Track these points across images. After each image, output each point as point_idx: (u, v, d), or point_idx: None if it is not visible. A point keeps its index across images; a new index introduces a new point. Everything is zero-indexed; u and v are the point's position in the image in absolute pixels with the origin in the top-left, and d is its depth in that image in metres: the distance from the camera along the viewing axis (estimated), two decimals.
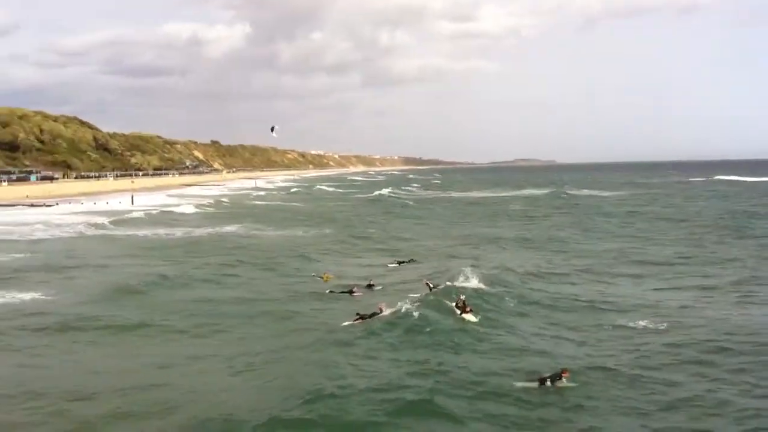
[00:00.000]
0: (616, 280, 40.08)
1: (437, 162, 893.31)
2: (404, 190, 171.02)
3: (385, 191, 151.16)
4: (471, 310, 27.61)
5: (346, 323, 28.30)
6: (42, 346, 26.00)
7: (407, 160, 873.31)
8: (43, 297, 34.07)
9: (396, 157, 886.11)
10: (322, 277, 38.94)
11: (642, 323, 28.97)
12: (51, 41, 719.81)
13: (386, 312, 28.29)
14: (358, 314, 28.57)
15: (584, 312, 31.79)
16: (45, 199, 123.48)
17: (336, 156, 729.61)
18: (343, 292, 35.04)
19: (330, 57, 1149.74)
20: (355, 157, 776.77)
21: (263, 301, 34.06)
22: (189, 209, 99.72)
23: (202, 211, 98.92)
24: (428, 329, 26.15)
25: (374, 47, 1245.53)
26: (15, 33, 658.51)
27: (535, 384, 20.70)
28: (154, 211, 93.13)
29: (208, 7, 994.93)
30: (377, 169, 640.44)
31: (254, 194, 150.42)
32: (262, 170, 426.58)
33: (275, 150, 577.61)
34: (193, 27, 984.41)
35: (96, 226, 73.05)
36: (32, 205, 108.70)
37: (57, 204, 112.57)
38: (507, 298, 33.40)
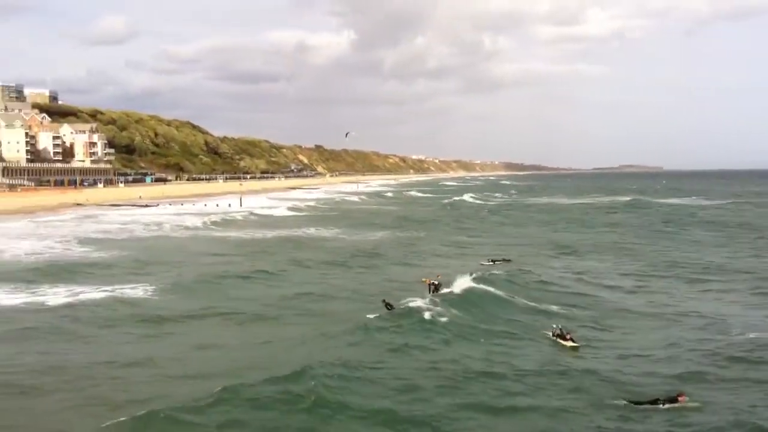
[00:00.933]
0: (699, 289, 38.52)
1: (539, 168, 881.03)
2: (486, 195, 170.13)
3: (466, 197, 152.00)
4: (571, 338, 26.72)
5: (371, 316, 29.50)
6: (174, 334, 28.40)
7: (508, 166, 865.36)
8: (152, 290, 36.25)
9: (497, 163, 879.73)
10: (424, 281, 39.56)
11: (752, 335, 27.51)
12: (165, 49, 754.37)
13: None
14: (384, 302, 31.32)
15: (687, 326, 30.23)
16: (158, 200, 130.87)
17: (436, 161, 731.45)
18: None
19: (431, 62, 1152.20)
20: (455, 162, 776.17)
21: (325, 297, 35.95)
22: (286, 212, 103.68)
23: (299, 214, 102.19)
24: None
25: (476, 52, 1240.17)
26: (132, 41, 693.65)
27: (648, 405, 20.03)
28: (256, 213, 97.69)
29: (314, 15, 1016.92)
30: (476, 174, 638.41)
31: (348, 198, 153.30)
32: (364, 174, 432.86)
33: (377, 155, 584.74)
34: (299, 34, 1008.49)
35: (202, 226, 77.71)
36: (146, 206, 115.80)
37: (170, 204, 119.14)
38: (593, 311, 33.07)
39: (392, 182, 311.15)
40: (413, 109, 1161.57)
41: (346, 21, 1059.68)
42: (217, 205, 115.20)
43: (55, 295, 34.60)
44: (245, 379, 20.89)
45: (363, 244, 60.17)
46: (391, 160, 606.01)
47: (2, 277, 39.92)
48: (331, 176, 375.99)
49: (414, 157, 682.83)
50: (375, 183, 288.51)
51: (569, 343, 26.62)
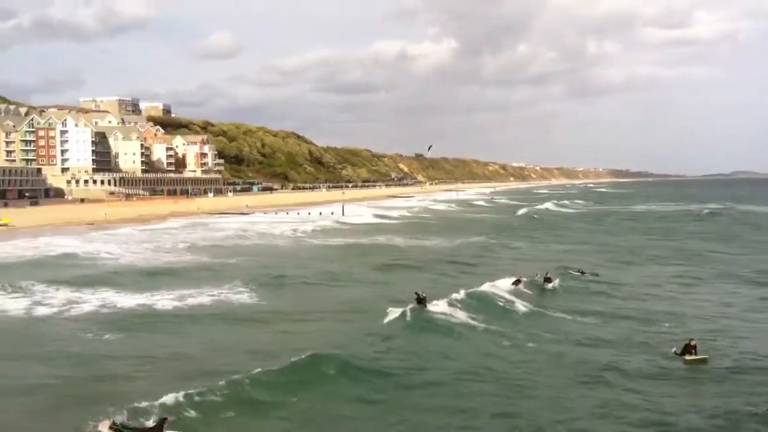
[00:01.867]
0: None
1: (646, 174, 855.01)
2: (572, 203, 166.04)
3: (548, 205, 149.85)
4: (695, 347, 25.00)
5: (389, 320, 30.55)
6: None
7: (613, 173, 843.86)
8: (255, 296, 37.49)
9: (601, 170, 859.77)
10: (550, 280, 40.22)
11: None
12: (271, 62, 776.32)
13: None
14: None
15: None
16: (264, 209, 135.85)
17: (537, 168, 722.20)
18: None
19: (534, 68, 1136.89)
20: (557, 169, 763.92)
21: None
22: (383, 220, 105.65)
23: (393, 222, 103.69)
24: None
25: (580, 57, 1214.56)
26: (240, 55, 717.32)
27: None
28: (355, 221, 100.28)
29: (416, 25, 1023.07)
30: (578, 182, 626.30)
31: (439, 208, 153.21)
32: (463, 182, 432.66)
33: (477, 162, 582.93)
34: (400, 44, 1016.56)
35: (305, 234, 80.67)
36: (253, 214, 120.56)
37: (275, 213, 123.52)
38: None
39: (488, 190, 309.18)
40: (515, 115, 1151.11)
41: (447, 30, 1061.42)
42: (320, 214, 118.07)
43: (165, 298, 37.25)
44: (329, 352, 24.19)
45: (440, 251, 61.98)
46: (491, 168, 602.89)
47: (118, 280, 42.82)
48: (431, 185, 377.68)
49: (515, 164, 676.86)
50: (472, 191, 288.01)
51: (693, 357, 25.03)
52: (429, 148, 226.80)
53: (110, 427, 17.44)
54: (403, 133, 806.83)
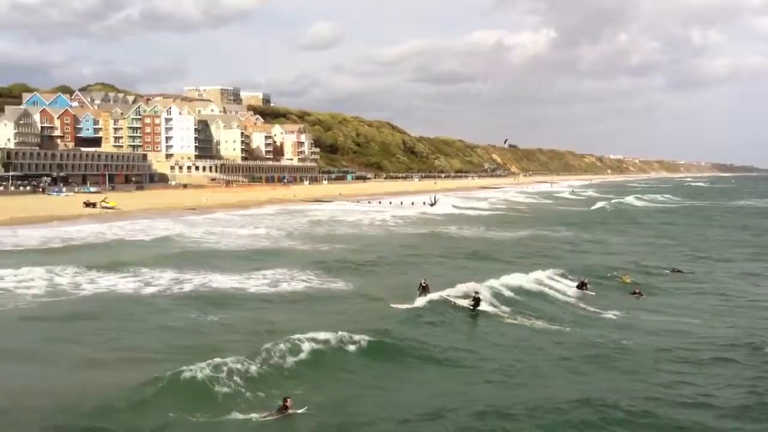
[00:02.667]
0: None
1: (751, 169, 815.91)
2: (656, 198, 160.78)
3: (630, 198, 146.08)
4: None
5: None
6: None
7: (716, 167, 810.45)
8: (350, 284, 38.51)
9: (703, 163, 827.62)
10: (622, 278, 40.19)
11: None
12: (368, 52, 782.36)
13: None
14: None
15: None
16: (357, 197, 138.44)
17: (636, 161, 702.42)
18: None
19: (634, 58, 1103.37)
20: (657, 162, 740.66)
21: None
22: (473, 211, 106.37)
23: (482, 213, 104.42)
24: None
25: (683, 47, 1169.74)
26: (338, 46, 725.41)
27: None
28: (445, 212, 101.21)
29: (515, 14, 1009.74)
30: (679, 175, 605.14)
31: (520, 199, 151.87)
32: (558, 174, 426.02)
33: (572, 154, 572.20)
34: (498, 34, 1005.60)
35: (396, 222, 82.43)
36: (345, 202, 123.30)
37: (368, 202, 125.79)
38: None
39: (581, 183, 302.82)
40: (613, 107, 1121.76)
41: (545, 19, 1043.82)
42: (413, 203, 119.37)
43: (258, 278, 39.34)
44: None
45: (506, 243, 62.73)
46: (587, 160, 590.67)
47: (216, 263, 45.21)
48: (525, 176, 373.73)
49: (612, 156, 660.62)
50: (564, 183, 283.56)
51: None
52: (505, 141, 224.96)
53: (241, 413, 18.55)
54: (498, 123, 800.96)
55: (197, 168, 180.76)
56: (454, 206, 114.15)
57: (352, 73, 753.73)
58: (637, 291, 37.54)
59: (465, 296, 32.53)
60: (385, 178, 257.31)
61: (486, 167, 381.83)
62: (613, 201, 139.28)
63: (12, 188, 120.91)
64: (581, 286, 37.48)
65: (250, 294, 35.74)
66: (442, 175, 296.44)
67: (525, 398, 20.15)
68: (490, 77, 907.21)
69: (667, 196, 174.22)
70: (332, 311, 31.03)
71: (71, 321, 29.02)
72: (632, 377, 22.75)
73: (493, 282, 35.82)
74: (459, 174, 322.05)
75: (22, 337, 26.56)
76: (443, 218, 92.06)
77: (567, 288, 37.88)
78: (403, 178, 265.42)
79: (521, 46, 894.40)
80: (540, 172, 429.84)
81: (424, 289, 32.75)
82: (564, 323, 30.20)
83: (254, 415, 18.36)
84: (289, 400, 18.56)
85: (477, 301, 31.33)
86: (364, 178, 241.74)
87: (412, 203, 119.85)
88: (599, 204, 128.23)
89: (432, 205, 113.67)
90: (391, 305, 31.88)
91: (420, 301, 31.75)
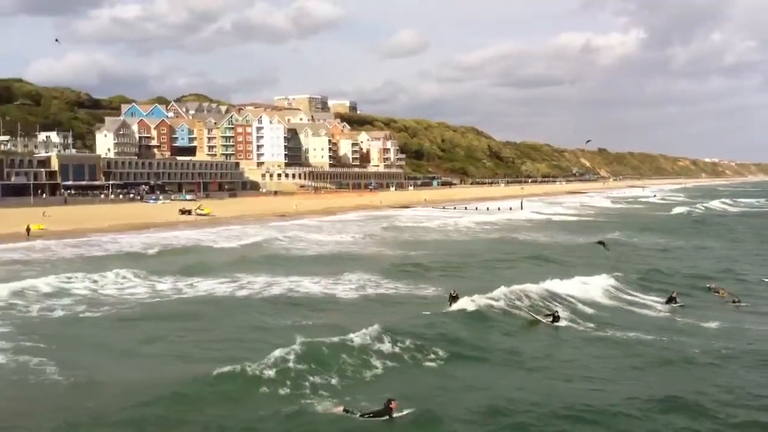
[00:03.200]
0: None
1: None
2: (745, 201, 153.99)
3: (715, 202, 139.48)
4: None
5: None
6: None
7: None
8: (430, 285, 38.84)
9: None
10: (718, 292, 37.53)
11: None
12: (452, 58, 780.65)
13: None
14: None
15: None
16: (442, 203, 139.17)
17: (732, 164, 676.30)
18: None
19: (729, 58, 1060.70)
20: (755, 165, 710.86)
21: None
22: (560, 217, 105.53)
23: (569, 219, 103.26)
24: None
25: None
26: (423, 53, 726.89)
27: None
28: (532, 218, 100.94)
29: (603, 15, 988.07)
30: None
31: (612, 205, 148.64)
32: (650, 178, 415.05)
33: (665, 157, 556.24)
34: (585, 36, 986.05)
35: (481, 228, 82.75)
36: (430, 207, 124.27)
37: (454, 208, 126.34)
38: None
39: (670, 187, 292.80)
40: (707, 108, 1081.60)
41: (635, 20, 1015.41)
42: (499, 209, 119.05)
43: (346, 283, 40.29)
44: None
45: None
46: (680, 163, 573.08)
47: (305, 268, 46.49)
48: (614, 180, 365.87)
49: (707, 159, 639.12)
50: (655, 187, 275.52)
51: None
52: (587, 142, 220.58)
53: (344, 410, 18.66)
54: (586, 127, 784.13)
55: (287, 175, 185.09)
56: (540, 212, 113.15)
57: (437, 79, 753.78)
58: (736, 300, 35.59)
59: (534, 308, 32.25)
60: (470, 184, 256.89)
61: (574, 171, 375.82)
62: (702, 205, 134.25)
63: (112, 196, 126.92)
64: (670, 300, 35.10)
65: (338, 298, 36.86)
66: (529, 180, 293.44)
67: (623, 401, 20.16)
68: (577, 80, 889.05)
69: (762, 200, 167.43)
70: (415, 314, 31.81)
71: (169, 321, 30.67)
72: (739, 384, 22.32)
73: (572, 290, 35.73)
74: (546, 179, 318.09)
75: (122, 337, 28.30)
76: (528, 224, 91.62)
77: (647, 298, 37.02)
78: (488, 183, 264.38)
79: (610, 48, 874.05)
80: (631, 176, 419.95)
81: (454, 299, 32.46)
82: (652, 332, 29.37)
83: (357, 416, 18.51)
84: (394, 402, 18.45)
85: (556, 317, 30.54)
86: (449, 184, 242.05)
87: (499, 208, 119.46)
88: (680, 209, 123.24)
89: (517, 210, 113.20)
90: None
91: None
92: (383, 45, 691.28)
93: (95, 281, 39.82)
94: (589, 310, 33.41)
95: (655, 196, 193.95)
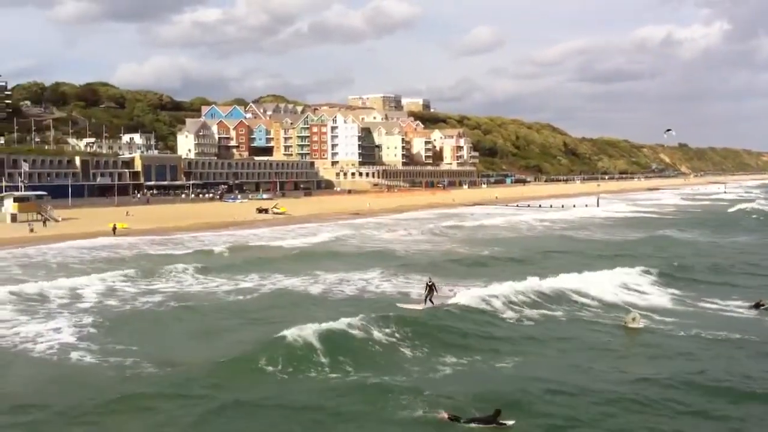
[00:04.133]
0: None
1: None
2: None
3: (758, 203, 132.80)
4: None
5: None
6: None
7: None
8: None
9: None
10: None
11: None
12: (528, 54, 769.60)
13: None
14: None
15: None
16: (516, 201, 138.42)
17: None
18: None
19: None
20: None
21: None
22: (635, 214, 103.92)
23: (647, 215, 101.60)
24: None
25: None
26: (498, 49, 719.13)
27: None
28: (607, 216, 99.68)
29: (684, 8, 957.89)
30: None
31: (692, 202, 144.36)
32: (733, 174, 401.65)
33: (748, 153, 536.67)
34: (666, 29, 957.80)
35: (553, 226, 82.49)
36: (502, 205, 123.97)
37: (528, 205, 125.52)
38: None
39: (749, 183, 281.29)
40: None
41: (718, 11, 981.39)
42: (574, 206, 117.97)
43: (416, 283, 41.24)
44: None
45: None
46: (765, 158, 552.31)
47: (376, 264, 47.10)
48: (695, 176, 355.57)
49: None
50: (735, 183, 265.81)
51: None
52: (667, 131, 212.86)
53: (449, 417, 18.55)
54: (666, 122, 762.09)
55: (360, 174, 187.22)
56: (616, 210, 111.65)
57: (512, 76, 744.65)
58: None
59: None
60: (545, 181, 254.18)
61: (653, 168, 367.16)
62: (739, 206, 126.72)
63: (192, 196, 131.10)
64: (757, 306, 33.61)
65: (412, 294, 37.75)
66: (606, 177, 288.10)
67: None
68: (657, 74, 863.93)
69: None
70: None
71: (242, 313, 32.54)
72: None
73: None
74: (623, 175, 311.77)
75: (212, 323, 30.43)
76: (604, 221, 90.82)
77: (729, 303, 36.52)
78: (564, 180, 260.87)
79: (692, 40, 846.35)
80: (712, 171, 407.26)
81: (430, 289, 32.42)
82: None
83: (462, 422, 18.60)
84: (500, 412, 18.55)
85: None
86: (523, 181, 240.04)
87: (574, 206, 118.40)
88: (740, 206, 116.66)
89: (593, 207, 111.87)
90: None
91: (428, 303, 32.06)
92: (458, 42, 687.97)
93: (178, 277, 42.17)
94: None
95: (725, 192, 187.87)
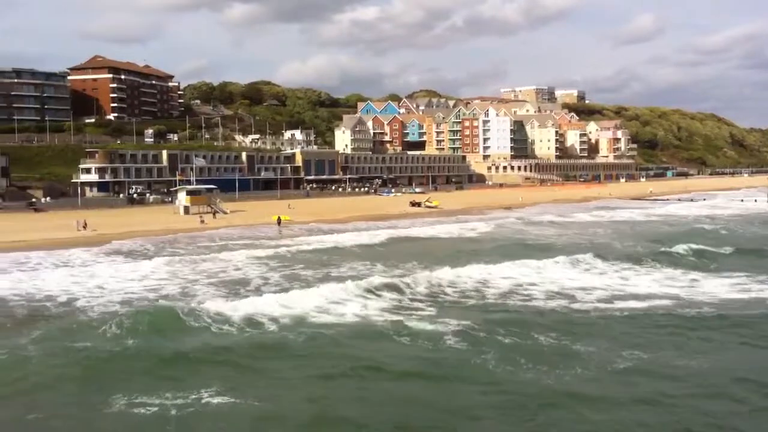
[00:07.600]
0: None
1: None
2: None
3: None
4: None
5: None
6: None
7: None
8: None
9: None
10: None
11: None
12: (691, 41, 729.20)
13: None
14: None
15: None
16: (676, 195, 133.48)
17: None
18: None
19: None
20: None
21: None
22: None
23: None
24: None
25: None
26: (659, 38, 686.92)
27: None
28: None
29: None
30: None
31: None
32: None
33: None
34: None
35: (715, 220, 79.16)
36: (661, 200, 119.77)
37: (692, 200, 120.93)
38: None
39: None
40: None
41: None
42: (742, 200, 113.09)
43: (581, 271, 41.55)
44: None
45: None
46: None
47: (534, 254, 46.95)
48: None
49: None
50: None
51: None
52: None
53: None
54: None
55: (512, 168, 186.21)
56: None
57: (674, 64, 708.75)
58: None
59: None
60: (709, 174, 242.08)
61: None
62: None
63: (348, 189, 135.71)
64: None
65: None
66: None
67: None
68: None
69: None
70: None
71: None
72: None
73: None
74: None
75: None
76: None
77: None
78: (730, 173, 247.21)
79: None
80: None
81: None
82: None
83: None
84: None
85: None
86: (685, 175, 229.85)
87: (742, 200, 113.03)
88: None
89: (763, 201, 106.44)
90: None
91: None
92: (616, 32, 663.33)
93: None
94: None
95: None
